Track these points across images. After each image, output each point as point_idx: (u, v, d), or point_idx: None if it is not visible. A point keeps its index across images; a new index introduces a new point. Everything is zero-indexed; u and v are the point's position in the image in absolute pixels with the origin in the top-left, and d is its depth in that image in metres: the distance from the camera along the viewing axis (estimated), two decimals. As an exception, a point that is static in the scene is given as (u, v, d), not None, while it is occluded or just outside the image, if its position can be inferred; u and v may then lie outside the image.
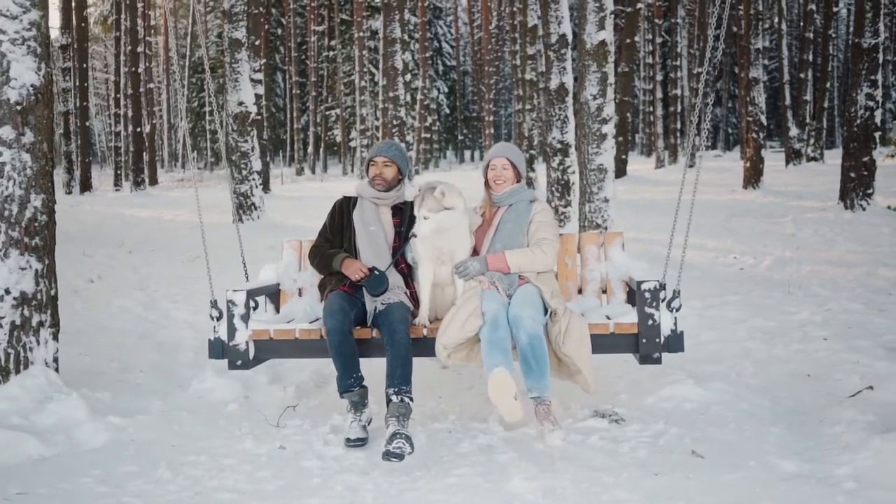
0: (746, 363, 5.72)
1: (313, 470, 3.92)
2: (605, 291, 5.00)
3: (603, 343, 4.38)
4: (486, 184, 4.83)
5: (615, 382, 5.17)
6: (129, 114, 29.37)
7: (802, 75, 26.15)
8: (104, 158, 56.89)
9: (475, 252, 4.65)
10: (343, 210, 4.93)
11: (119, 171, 33.03)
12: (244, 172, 13.82)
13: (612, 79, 10.16)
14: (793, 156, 25.41)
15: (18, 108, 4.82)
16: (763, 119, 18.00)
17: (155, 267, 10.11)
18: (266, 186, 22.73)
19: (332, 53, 46.03)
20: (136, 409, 4.84)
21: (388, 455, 3.86)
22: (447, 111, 57.81)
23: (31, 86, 4.87)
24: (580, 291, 5.01)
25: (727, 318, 7.14)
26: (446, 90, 57.83)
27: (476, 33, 53.97)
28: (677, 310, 4.40)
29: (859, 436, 4.29)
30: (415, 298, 4.70)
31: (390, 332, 4.31)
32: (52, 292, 5.09)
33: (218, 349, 4.56)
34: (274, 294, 5.06)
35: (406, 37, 25.31)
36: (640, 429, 4.34)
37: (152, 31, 36.54)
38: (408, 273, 4.75)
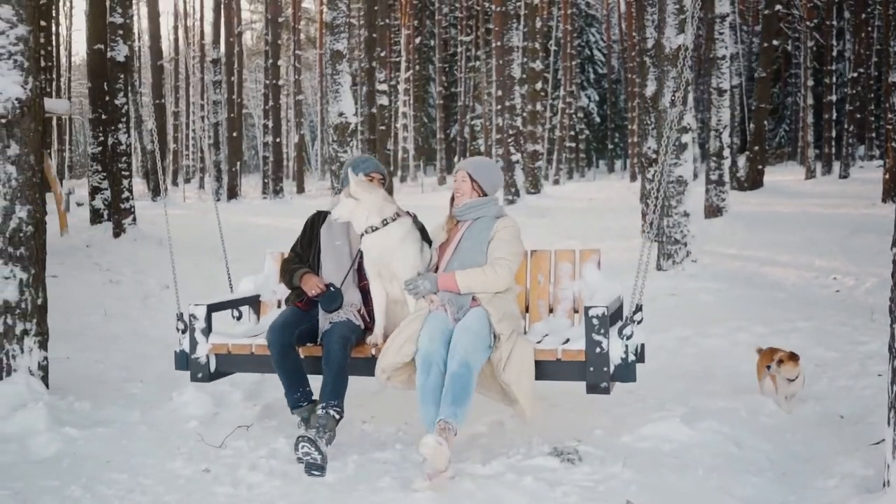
0: (769, 400, 5.11)
1: (219, 497, 3.74)
2: (577, 311, 4.58)
3: (549, 370, 4.07)
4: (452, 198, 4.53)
5: (598, 416, 4.70)
6: (271, 125, 30.45)
7: (967, 78, 23.78)
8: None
9: (437, 270, 4.36)
10: (314, 224, 4.88)
11: (266, 180, 34.38)
12: (343, 182, 13.90)
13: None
14: (955, 166, 23.16)
15: (3, 121, 4.94)
16: (905, 127, 16.49)
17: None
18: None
19: (477, 63, 46.15)
20: (104, 421, 4.82)
21: (306, 468, 3.93)
22: (598, 120, 56.73)
23: (17, 99, 4.98)
24: (551, 311, 4.63)
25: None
26: (598, 98, 56.79)
27: (626, 41, 52.70)
28: (629, 338, 3.97)
29: (845, 494, 3.72)
30: (372, 316, 4.58)
31: (327, 350, 4.27)
32: (40, 301, 5.17)
33: (183, 361, 4.69)
34: (256, 304, 5.16)
35: (535, 45, 24.97)
36: (591, 471, 3.90)
37: (306, 45, 37.76)
38: (367, 291, 4.57)
